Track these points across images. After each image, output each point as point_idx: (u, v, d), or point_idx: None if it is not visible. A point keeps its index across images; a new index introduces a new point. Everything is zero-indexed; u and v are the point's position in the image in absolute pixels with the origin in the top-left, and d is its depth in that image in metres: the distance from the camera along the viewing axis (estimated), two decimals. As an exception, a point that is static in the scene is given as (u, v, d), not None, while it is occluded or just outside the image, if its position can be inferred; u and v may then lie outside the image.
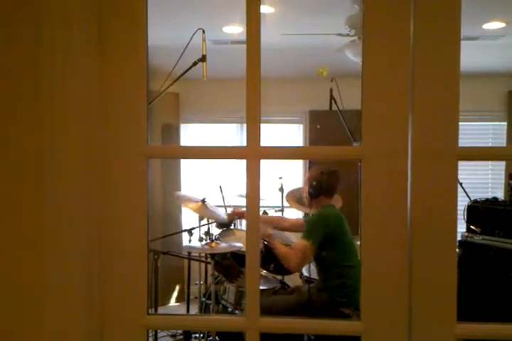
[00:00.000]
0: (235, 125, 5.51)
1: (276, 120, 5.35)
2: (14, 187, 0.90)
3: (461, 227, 3.84)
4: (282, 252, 2.96)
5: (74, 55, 0.94)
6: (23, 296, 0.91)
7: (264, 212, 3.77)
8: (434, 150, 0.95)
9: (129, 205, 1.00)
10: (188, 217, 4.72)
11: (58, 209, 0.92)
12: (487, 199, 3.73)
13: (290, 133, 5.61)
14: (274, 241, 3.00)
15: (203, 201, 3.45)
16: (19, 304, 0.91)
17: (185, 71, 2.64)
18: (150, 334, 3.18)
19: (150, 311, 3.05)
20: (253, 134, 0.99)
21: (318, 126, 5.06)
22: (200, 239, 3.45)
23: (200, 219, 3.61)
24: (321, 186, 2.98)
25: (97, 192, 0.99)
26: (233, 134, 5.56)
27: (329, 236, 2.87)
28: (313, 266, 3.33)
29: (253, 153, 0.99)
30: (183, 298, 4.68)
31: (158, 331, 3.28)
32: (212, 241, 3.26)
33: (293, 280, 3.71)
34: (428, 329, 0.94)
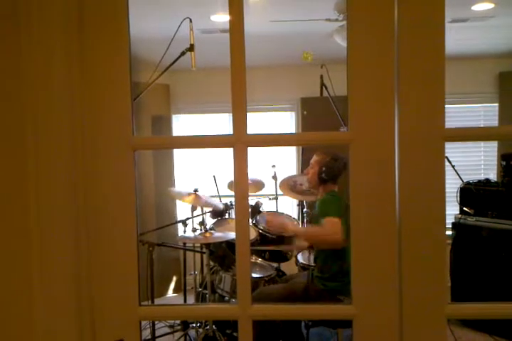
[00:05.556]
0: (226, 114, 5.48)
1: (269, 108, 5.32)
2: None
3: (455, 209, 3.85)
4: (319, 234, 2.84)
5: (54, 44, 0.93)
6: (11, 288, 0.91)
7: (258, 204, 3.73)
8: (420, 132, 0.95)
9: (117, 196, 0.99)
10: (183, 209, 4.71)
11: (45, 200, 0.92)
12: (479, 181, 3.75)
13: (283, 121, 5.59)
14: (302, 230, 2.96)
15: (195, 191, 3.43)
16: (7, 296, 0.91)
17: (174, 61, 2.61)
18: (148, 326, 3.19)
19: (147, 303, 3.07)
20: (239, 122, 0.98)
21: (304, 112, 5.05)
22: (194, 230, 3.45)
23: (193, 209, 3.60)
24: (332, 172, 2.98)
25: (84, 183, 0.99)
26: (225, 124, 5.53)
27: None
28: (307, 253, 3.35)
29: (240, 141, 0.98)
30: (181, 288, 4.70)
31: (156, 322, 3.29)
32: (207, 231, 3.26)
33: (289, 268, 3.73)
34: (419, 311, 0.95)
